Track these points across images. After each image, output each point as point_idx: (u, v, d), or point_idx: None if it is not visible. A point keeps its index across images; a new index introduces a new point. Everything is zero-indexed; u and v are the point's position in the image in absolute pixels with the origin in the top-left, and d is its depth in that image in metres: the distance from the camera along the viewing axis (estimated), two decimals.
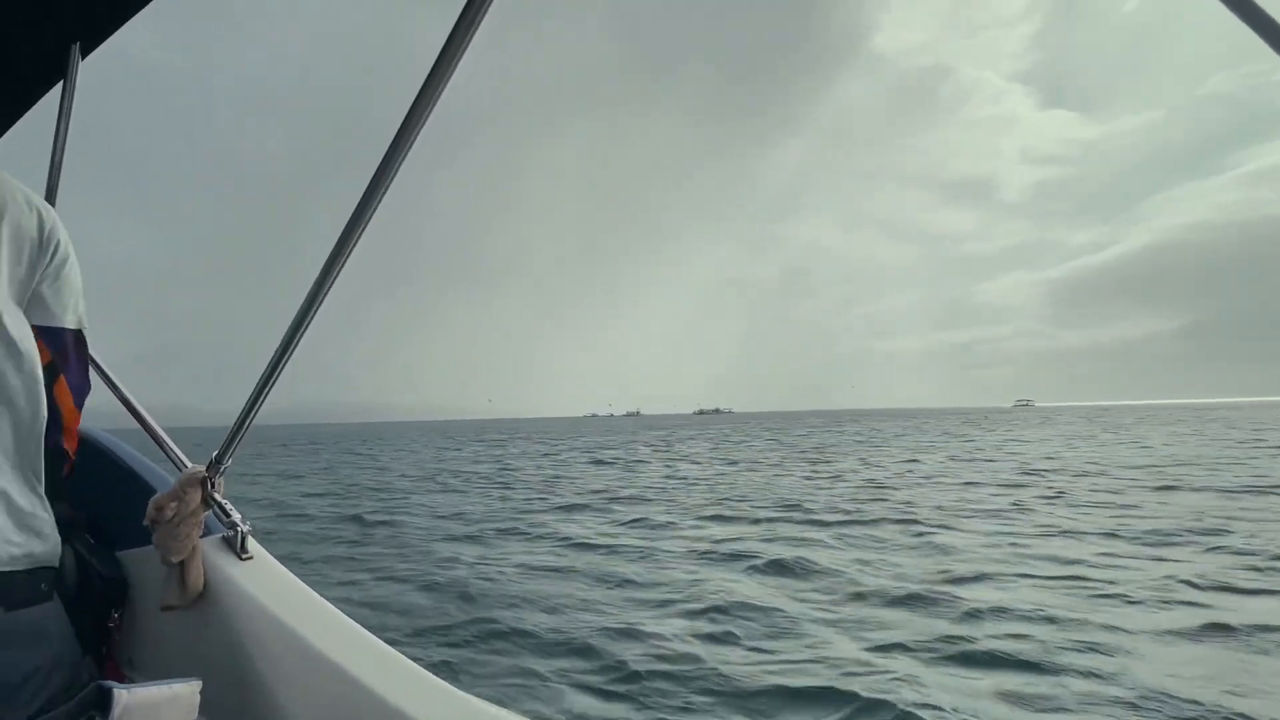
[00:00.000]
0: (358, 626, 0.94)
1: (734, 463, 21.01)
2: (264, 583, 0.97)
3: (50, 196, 1.38)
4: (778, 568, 6.69)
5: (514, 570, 6.89)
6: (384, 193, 0.79)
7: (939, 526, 8.74)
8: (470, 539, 8.88)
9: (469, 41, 0.71)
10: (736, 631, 4.85)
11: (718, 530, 9.00)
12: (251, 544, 1.02)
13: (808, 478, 15.58)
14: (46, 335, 0.91)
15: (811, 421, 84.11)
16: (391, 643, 0.91)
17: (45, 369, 0.89)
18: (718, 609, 5.35)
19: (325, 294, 0.85)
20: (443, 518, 10.86)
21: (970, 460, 19.68)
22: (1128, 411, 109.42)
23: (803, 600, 5.62)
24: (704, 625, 5.03)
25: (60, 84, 1.37)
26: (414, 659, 0.90)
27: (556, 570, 6.92)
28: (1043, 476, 14.53)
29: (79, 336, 0.98)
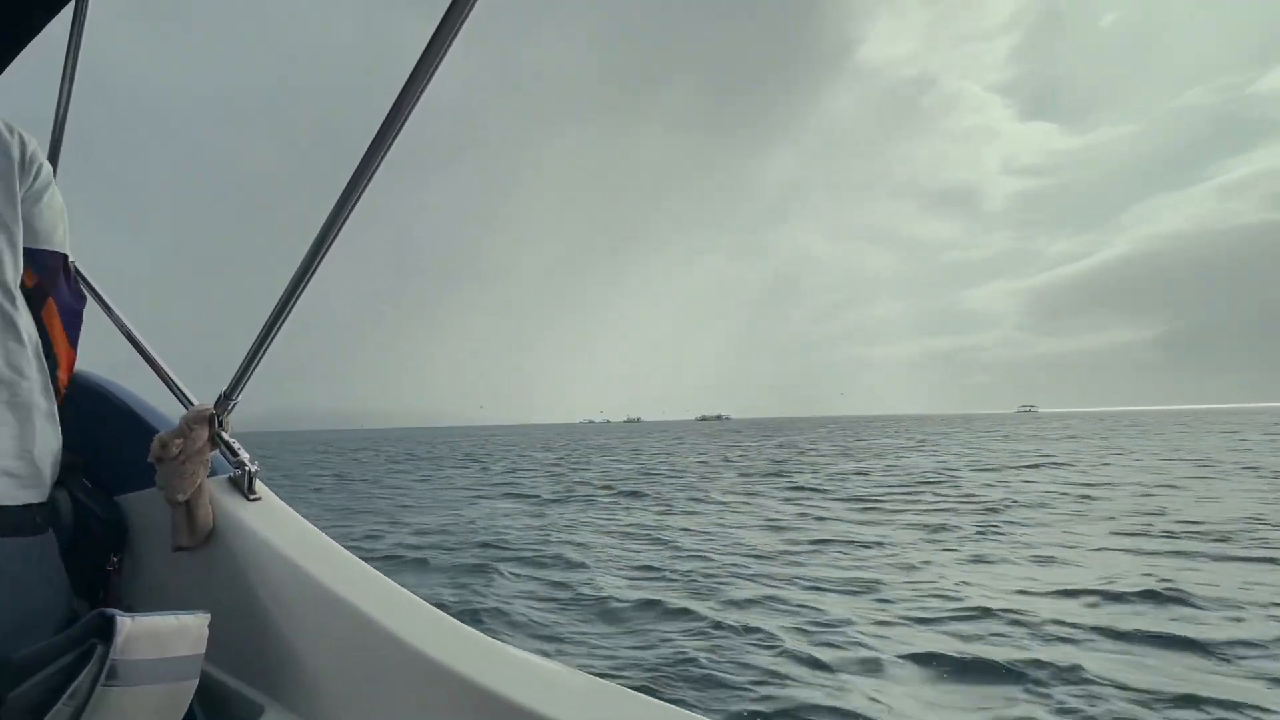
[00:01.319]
0: (369, 567, 0.90)
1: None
2: (273, 523, 0.94)
3: (58, 135, 1.33)
4: None
5: None
6: (369, 181, 0.78)
7: None
8: None
9: (450, 43, 0.69)
10: None
11: None
12: (259, 485, 0.99)
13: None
14: (30, 257, 0.89)
15: (871, 428, 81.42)
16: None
17: (33, 291, 0.88)
18: None
19: (339, 229, 0.81)
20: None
21: None
22: (1141, 417, 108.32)
23: None
24: None
25: (70, 7, 1.28)
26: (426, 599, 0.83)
27: None
28: None
29: (66, 261, 0.96)
